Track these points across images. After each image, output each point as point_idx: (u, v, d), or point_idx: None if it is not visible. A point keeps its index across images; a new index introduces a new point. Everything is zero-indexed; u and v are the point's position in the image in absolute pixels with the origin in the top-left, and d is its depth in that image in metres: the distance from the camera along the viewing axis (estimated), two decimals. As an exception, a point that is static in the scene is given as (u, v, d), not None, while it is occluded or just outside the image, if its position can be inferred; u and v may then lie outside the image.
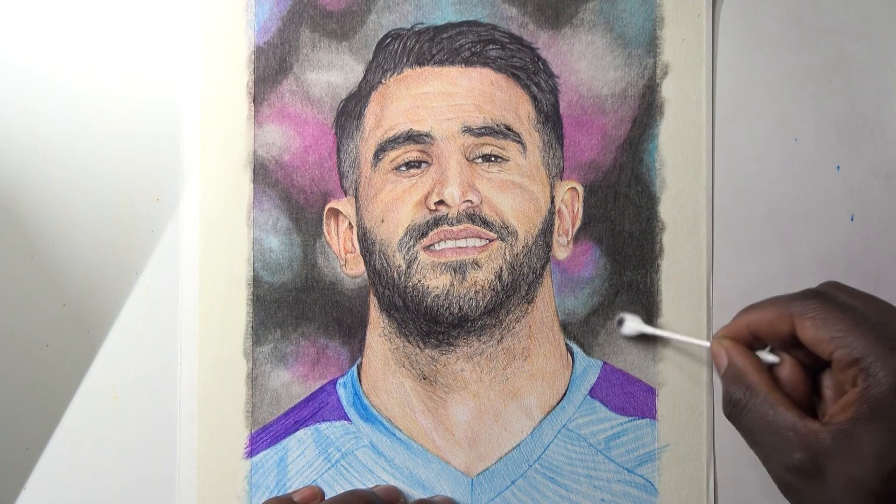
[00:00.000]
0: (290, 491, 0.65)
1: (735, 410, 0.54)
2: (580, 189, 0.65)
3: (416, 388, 0.65)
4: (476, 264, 0.64)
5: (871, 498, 0.48)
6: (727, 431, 0.63)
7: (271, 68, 0.66)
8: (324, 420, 0.65)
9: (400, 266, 0.64)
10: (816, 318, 0.51)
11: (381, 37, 0.65)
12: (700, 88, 0.64)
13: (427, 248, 0.64)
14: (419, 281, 0.64)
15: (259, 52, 0.66)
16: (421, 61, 0.65)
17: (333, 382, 0.66)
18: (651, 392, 0.64)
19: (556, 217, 0.65)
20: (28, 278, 0.66)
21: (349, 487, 0.65)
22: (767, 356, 0.55)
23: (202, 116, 0.66)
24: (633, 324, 0.63)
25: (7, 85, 0.67)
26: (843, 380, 0.51)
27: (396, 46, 0.65)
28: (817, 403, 0.55)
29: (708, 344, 0.58)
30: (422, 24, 0.65)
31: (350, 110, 0.66)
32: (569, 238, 0.65)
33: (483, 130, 0.64)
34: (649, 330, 0.63)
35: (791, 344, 0.54)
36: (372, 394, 0.66)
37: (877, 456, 0.48)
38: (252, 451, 0.65)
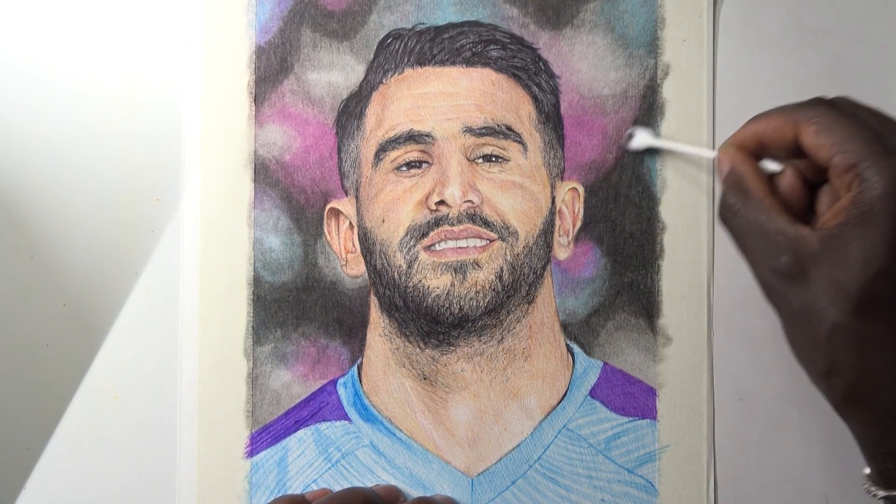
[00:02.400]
0: (290, 492, 0.65)
1: (729, 214, 0.54)
2: (581, 189, 0.65)
3: (417, 388, 0.65)
4: (477, 264, 0.64)
5: (851, 302, 0.48)
6: (727, 431, 0.63)
7: (272, 68, 0.66)
8: (324, 420, 0.65)
9: (400, 266, 0.64)
10: (820, 124, 0.51)
11: (381, 37, 0.65)
12: (701, 89, 0.64)
13: (428, 248, 0.64)
14: (420, 281, 0.64)
15: (260, 52, 0.66)
16: (422, 61, 0.65)
17: (334, 382, 0.66)
18: (651, 392, 0.64)
19: (557, 217, 0.65)
20: (28, 278, 0.66)
21: (349, 487, 0.65)
22: (769, 164, 0.56)
23: (203, 116, 0.66)
24: (643, 137, 0.63)
25: (7, 85, 0.67)
26: (839, 186, 0.51)
27: (397, 46, 0.65)
28: (812, 219, 0.55)
29: (713, 154, 0.57)
30: (423, 24, 0.65)
31: (351, 110, 0.66)
32: (569, 238, 0.65)
33: (484, 130, 0.64)
34: (658, 143, 0.63)
35: (794, 153, 0.54)
36: (372, 394, 0.66)
37: (861, 261, 0.48)
38: (252, 450, 0.65)
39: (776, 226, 0.51)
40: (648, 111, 0.64)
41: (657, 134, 0.64)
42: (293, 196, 0.66)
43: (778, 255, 0.51)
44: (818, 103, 0.53)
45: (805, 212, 0.55)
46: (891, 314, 0.49)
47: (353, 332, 0.66)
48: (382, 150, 0.65)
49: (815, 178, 0.55)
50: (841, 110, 0.51)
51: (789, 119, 0.53)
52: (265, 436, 0.65)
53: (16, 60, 0.67)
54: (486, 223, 0.64)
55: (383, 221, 0.65)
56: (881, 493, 0.52)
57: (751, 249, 0.53)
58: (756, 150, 0.55)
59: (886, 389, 0.49)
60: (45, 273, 0.66)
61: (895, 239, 0.48)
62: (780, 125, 0.53)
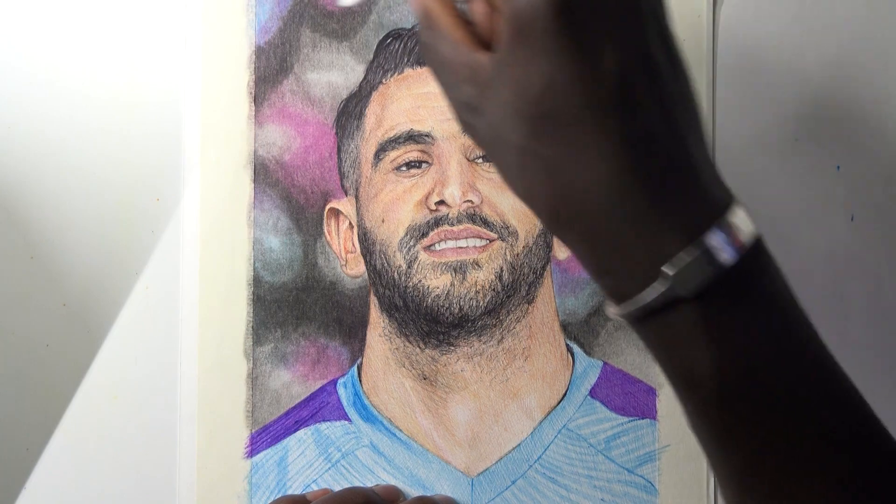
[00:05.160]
0: (290, 492, 0.65)
1: (425, 53, 0.49)
2: (581, 189, 0.65)
3: (417, 389, 0.65)
4: (476, 264, 0.64)
5: (525, 122, 0.44)
6: (727, 431, 0.63)
7: (272, 68, 0.66)
8: (324, 420, 0.65)
9: (400, 266, 0.64)
10: None
11: (381, 37, 0.65)
12: (700, 88, 0.64)
13: (427, 248, 0.64)
14: (419, 281, 0.64)
15: (259, 52, 0.66)
16: (422, 61, 0.65)
17: (334, 382, 0.66)
18: (651, 392, 0.64)
19: (557, 217, 0.65)
20: (28, 278, 0.66)
21: (349, 487, 0.65)
22: None
23: (203, 116, 0.66)
24: None
25: (7, 85, 0.67)
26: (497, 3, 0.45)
27: (397, 46, 0.65)
28: None
29: None
30: (422, 24, 0.65)
31: (351, 110, 0.66)
32: (569, 238, 0.65)
33: (483, 130, 0.64)
34: None
35: None
36: (372, 394, 0.65)
37: (523, 78, 0.43)
38: (252, 451, 0.65)
39: (462, 57, 0.46)
40: (648, 111, 0.64)
41: None
42: (293, 196, 0.66)
43: (462, 86, 0.46)
44: None
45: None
46: (572, 133, 0.43)
47: (352, 332, 0.66)
48: (382, 150, 0.65)
49: None
50: None
51: None
52: (265, 436, 0.65)
53: (16, 60, 0.67)
54: (485, 223, 0.64)
55: (383, 221, 0.65)
56: (612, 311, 0.47)
57: (444, 87, 0.48)
58: None
59: (588, 210, 0.44)
60: (45, 273, 0.66)
61: (555, 49, 0.42)
62: None
